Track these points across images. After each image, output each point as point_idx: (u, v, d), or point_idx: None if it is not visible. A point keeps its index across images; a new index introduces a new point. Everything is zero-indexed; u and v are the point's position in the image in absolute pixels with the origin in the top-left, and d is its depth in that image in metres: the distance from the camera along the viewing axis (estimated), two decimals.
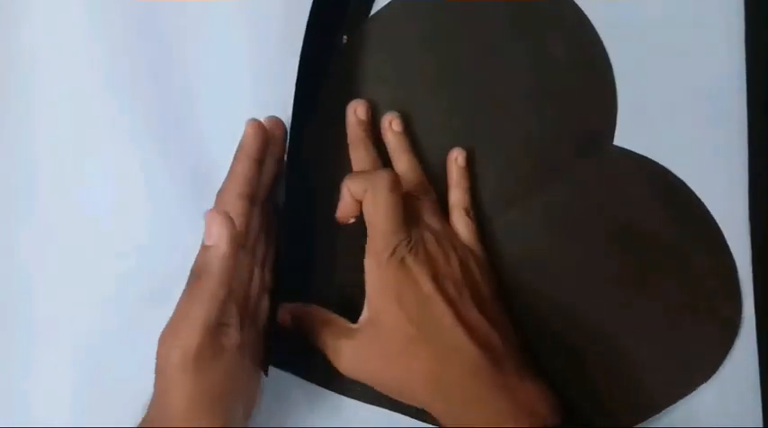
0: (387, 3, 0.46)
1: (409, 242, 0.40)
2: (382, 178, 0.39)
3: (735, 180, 0.44)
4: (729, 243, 0.44)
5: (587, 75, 0.45)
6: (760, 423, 0.42)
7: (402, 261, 0.39)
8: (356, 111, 0.44)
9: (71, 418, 0.43)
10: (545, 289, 0.43)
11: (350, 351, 0.40)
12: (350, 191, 0.40)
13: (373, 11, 0.46)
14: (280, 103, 0.43)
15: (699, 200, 0.44)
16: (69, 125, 0.47)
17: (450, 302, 0.39)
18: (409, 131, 0.45)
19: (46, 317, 0.45)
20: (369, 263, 0.40)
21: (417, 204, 0.43)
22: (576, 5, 0.45)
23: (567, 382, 0.41)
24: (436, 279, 0.40)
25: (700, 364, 0.43)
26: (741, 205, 0.44)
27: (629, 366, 0.42)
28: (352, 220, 0.41)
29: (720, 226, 0.44)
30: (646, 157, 0.44)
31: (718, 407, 0.42)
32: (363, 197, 0.40)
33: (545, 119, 0.45)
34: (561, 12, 0.45)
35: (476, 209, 0.44)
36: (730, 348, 0.42)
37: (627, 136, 0.45)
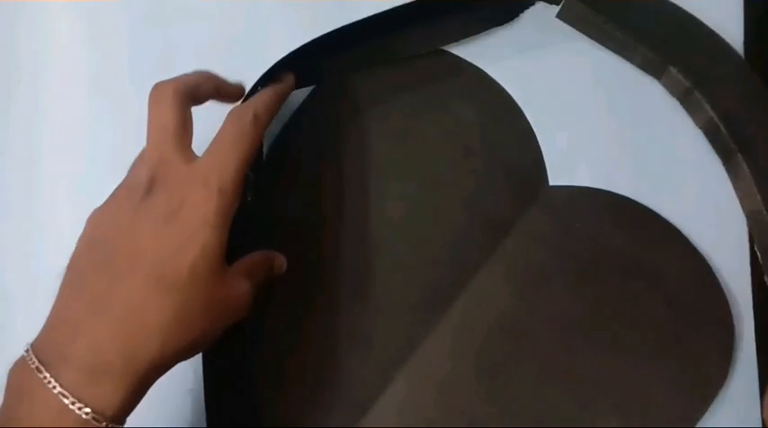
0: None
1: None
2: None
3: None
4: (729, 243, 0.44)
5: (503, 128, 0.45)
6: (760, 423, 0.42)
7: None
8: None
9: None
10: (528, 351, 0.42)
11: None
12: None
13: None
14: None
15: (648, 209, 0.43)
16: (69, 124, 0.47)
17: None
18: (349, 224, 0.43)
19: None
20: None
21: None
22: (470, 64, 0.45)
23: None
24: None
25: (704, 380, 0.41)
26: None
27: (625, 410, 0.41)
28: None
29: (720, 226, 0.44)
30: (585, 187, 0.44)
31: (718, 407, 0.42)
32: None
33: (476, 180, 0.44)
34: (460, 76, 0.45)
35: (437, 291, 0.42)
36: (732, 350, 0.42)
37: (627, 135, 0.45)
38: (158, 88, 0.36)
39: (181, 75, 0.38)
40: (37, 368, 0.30)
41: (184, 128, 0.36)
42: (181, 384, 0.42)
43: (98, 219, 0.35)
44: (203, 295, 0.33)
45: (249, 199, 0.42)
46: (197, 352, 0.36)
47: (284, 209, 0.44)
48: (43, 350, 0.31)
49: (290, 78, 0.42)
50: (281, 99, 0.40)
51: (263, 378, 0.42)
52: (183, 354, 0.34)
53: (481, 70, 0.46)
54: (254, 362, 0.42)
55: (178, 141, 0.35)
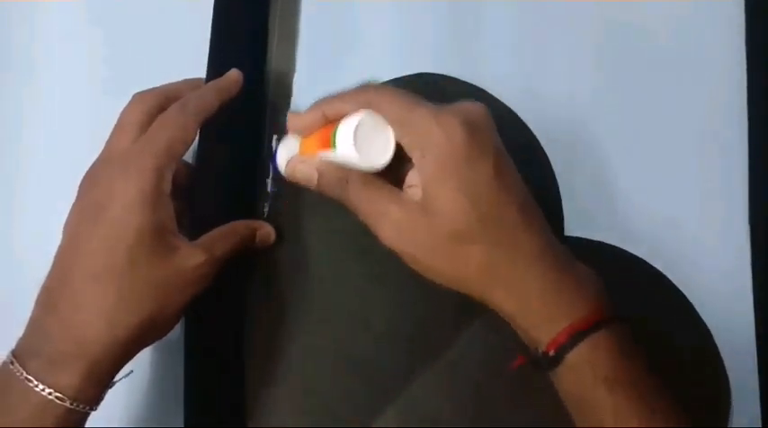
0: None
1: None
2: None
3: (735, 180, 0.44)
4: (729, 243, 0.44)
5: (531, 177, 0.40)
6: (759, 423, 0.42)
7: (470, 126, 0.35)
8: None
9: None
10: (529, 398, 0.40)
11: (400, 216, 0.36)
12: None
13: None
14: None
15: (661, 273, 0.43)
16: (71, 121, 0.47)
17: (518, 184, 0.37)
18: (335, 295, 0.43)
19: None
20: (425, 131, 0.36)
21: None
22: (505, 107, 0.44)
23: None
24: (499, 157, 0.36)
25: None
26: (741, 205, 0.44)
27: None
28: None
29: (720, 226, 0.44)
30: (599, 242, 0.43)
31: None
32: None
33: None
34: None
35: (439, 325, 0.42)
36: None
37: (629, 136, 0.45)
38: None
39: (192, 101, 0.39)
40: (11, 362, 0.35)
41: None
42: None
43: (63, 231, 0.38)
44: (146, 275, 0.36)
45: (266, 210, 0.43)
46: (163, 329, 0.38)
47: (296, 235, 0.43)
48: (18, 350, 0.36)
49: (235, 76, 0.41)
50: (221, 93, 0.41)
51: (253, 386, 0.42)
52: (143, 333, 0.36)
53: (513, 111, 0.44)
54: (247, 369, 0.42)
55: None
